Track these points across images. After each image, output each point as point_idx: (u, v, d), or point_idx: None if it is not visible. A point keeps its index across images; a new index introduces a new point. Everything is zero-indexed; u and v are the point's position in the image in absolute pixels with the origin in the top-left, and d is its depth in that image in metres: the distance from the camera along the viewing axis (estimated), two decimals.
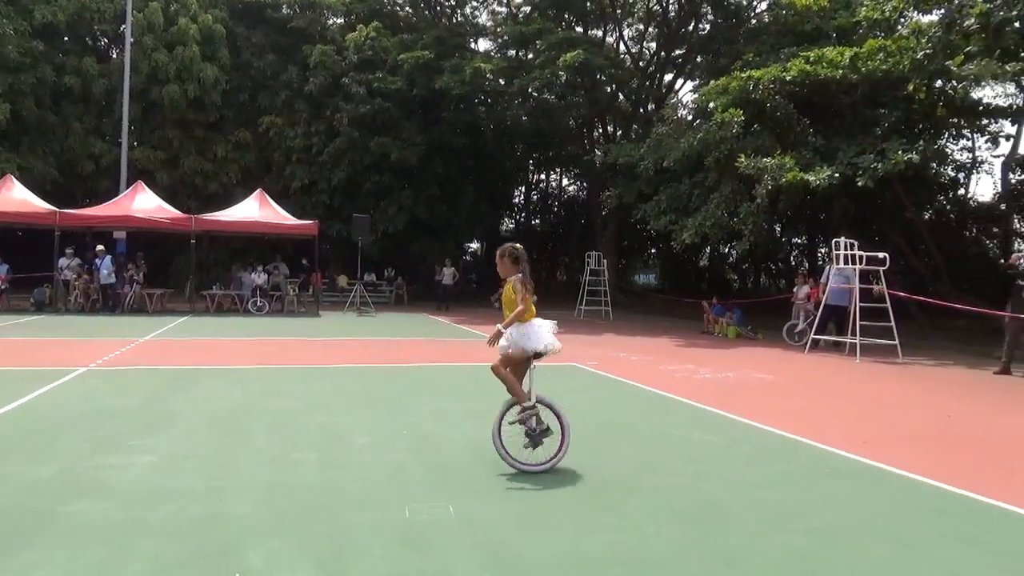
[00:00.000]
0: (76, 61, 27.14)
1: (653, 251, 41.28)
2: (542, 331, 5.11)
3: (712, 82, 19.49)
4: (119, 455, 5.30)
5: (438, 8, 33.61)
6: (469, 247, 41.74)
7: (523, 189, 43.03)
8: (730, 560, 3.64)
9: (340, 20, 32.72)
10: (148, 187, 22.21)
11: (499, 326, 5.08)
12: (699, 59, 28.41)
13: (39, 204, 20.17)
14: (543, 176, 44.47)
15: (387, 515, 4.16)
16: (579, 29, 29.93)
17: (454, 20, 33.83)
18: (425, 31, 29.44)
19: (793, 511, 4.45)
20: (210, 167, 28.37)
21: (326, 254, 29.44)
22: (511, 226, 43.38)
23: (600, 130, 32.84)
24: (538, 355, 5.11)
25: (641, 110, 30.31)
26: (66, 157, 27.02)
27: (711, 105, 19.17)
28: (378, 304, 25.54)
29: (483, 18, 34.30)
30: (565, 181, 44.49)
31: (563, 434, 5.18)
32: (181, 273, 25.01)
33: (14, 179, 21.04)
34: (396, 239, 29.59)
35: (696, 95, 24.08)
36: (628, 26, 32.77)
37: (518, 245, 5.29)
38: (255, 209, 21.87)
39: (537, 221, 44.49)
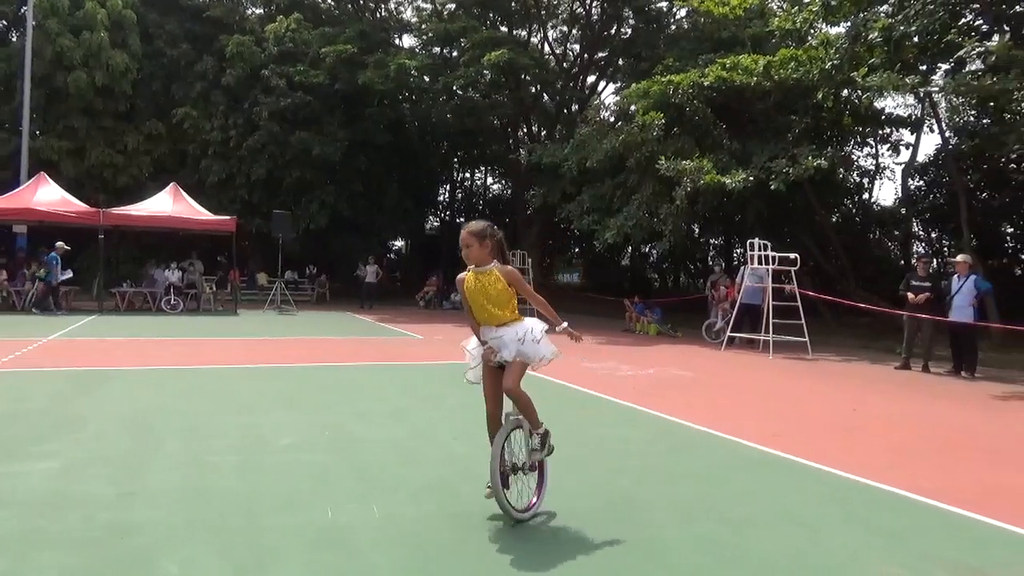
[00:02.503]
0: None
1: (576, 250, 41.84)
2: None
3: (634, 85, 19.89)
4: (18, 462, 5.02)
5: (361, 2, 33.13)
6: (393, 245, 41.31)
7: (448, 187, 42.90)
8: (646, 550, 3.74)
9: (259, 10, 31.84)
10: (52, 179, 21.05)
11: (566, 324, 4.28)
12: (621, 62, 28.93)
13: None
14: (468, 175, 44.45)
15: (309, 517, 4.09)
16: (504, 29, 30.04)
17: (378, 15, 33.42)
18: (348, 25, 28.98)
19: (709, 502, 4.61)
20: (120, 159, 27.11)
21: (245, 251, 28.61)
22: (436, 224, 43.21)
23: (525, 130, 33.05)
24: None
25: (565, 111, 30.65)
26: None
27: (632, 108, 19.56)
28: (299, 302, 24.99)
29: (408, 14, 34.04)
30: (490, 180, 44.61)
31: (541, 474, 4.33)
32: (88, 270, 23.82)
33: None
34: (318, 236, 29.01)
35: (618, 97, 24.52)
36: (552, 27, 33.09)
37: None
38: (168, 204, 21.05)
39: (462, 219, 44.44)
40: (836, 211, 25.85)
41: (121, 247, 25.70)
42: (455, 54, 28.09)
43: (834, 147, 17.89)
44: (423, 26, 30.10)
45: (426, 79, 27.48)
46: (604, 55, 30.52)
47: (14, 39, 28.02)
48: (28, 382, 8.36)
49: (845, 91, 17.71)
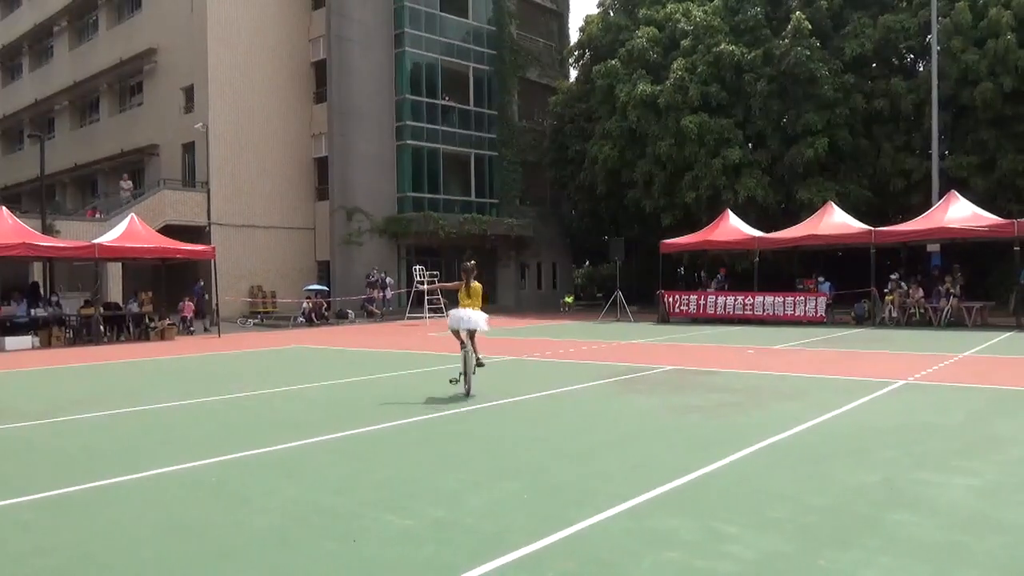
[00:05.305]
0: (884, 84, 28.00)
1: None
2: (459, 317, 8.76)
3: None
4: (939, 473, 5.17)
5: None
6: None
7: None
8: None
9: None
10: (961, 195, 21.18)
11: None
12: None
13: (855, 225, 21.70)
14: None
15: None
16: None
17: None
18: None
19: None
20: None
21: None
22: None
23: None
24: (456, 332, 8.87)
25: None
26: (877, 178, 28.13)
27: None
28: None
29: None
30: None
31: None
32: (1001, 284, 22.85)
33: (834, 205, 23.14)
34: None
35: None
36: None
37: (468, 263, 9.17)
38: None
39: None
40: None
41: None
42: None
43: None
44: None
45: None
46: None
47: (920, 69, 29.54)
48: (945, 396, 8.56)
49: None
